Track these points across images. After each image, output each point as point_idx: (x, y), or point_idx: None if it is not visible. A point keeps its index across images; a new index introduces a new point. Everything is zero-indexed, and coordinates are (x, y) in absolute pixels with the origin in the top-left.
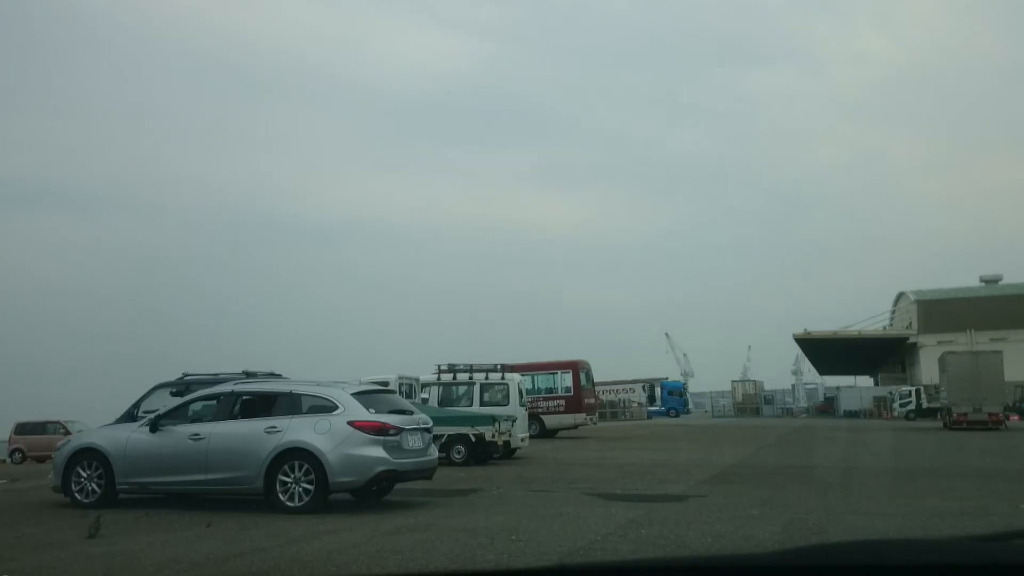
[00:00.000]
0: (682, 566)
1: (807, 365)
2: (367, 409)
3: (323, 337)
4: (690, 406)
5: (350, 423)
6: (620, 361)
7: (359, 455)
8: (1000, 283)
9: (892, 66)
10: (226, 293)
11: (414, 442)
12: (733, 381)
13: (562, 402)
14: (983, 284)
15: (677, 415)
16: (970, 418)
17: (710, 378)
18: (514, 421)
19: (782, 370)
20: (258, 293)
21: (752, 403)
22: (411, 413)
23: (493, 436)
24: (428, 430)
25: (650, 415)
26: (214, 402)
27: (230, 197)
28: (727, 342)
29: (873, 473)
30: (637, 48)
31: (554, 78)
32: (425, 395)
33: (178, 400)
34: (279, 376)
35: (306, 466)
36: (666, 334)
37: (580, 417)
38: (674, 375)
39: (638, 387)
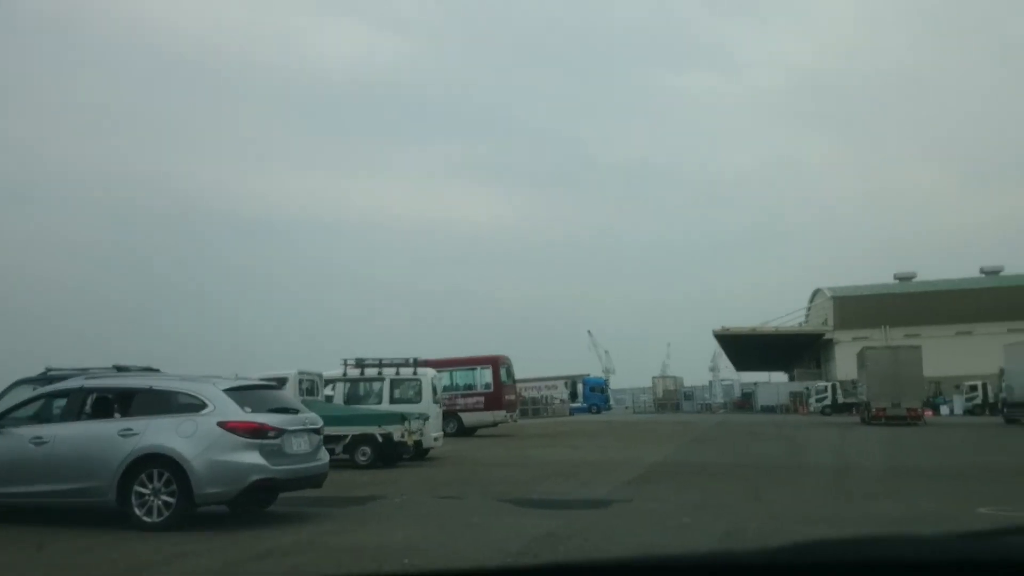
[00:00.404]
0: (675, 564)
1: (724, 361)
2: (241, 408)
3: (249, 333)
4: (611, 402)
5: (220, 424)
6: (543, 358)
7: (230, 462)
8: (914, 280)
9: (808, 70)
10: (146, 288)
11: (299, 445)
12: (654, 377)
13: (481, 399)
14: (897, 281)
15: (599, 411)
16: (889, 413)
17: (631, 375)
18: (426, 419)
19: (700, 366)
20: (184, 289)
21: (672, 399)
22: (296, 412)
23: (402, 436)
24: (317, 431)
25: (572, 412)
26: (64, 400)
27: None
28: (647, 339)
29: (806, 472)
30: (566, 48)
31: (480, 76)
32: (330, 392)
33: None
34: (157, 371)
35: (167, 475)
36: (588, 331)
37: (500, 414)
38: (596, 372)
39: (560, 384)
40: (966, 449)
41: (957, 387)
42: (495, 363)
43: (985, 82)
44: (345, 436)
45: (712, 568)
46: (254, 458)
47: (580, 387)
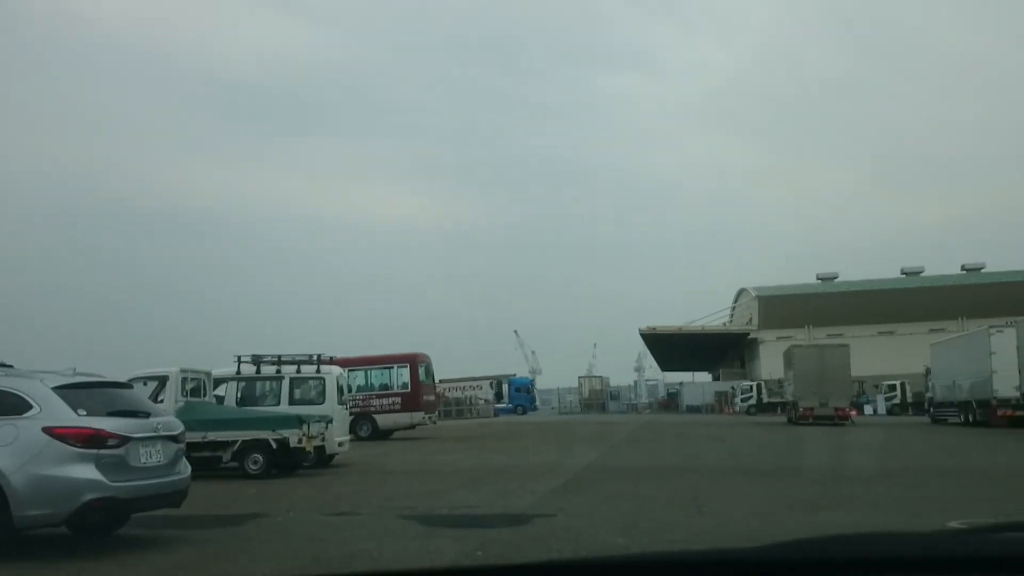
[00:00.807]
0: (666, 561)
1: (649, 361)
2: (75, 410)
3: (163, 330)
4: (538, 403)
5: (47, 430)
6: (470, 358)
7: (58, 477)
8: (836, 280)
9: (731, 76)
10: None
11: (149, 456)
12: (580, 377)
13: (398, 399)
14: (820, 281)
15: (525, 412)
16: (817, 413)
17: (558, 375)
18: (329, 423)
19: (626, 367)
20: (99, 285)
21: (598, 399)
22: (147, 415)
23: (300, 441)
24: (175, 438)
25: (497, 412)
26: None
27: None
28: (574, 339)
29: (745, 477)
30: (489, 45)
31: (400, 70)
32: (221, 392)
33: None
34: (9, 367)
35: None
36: (515, 332)
37: (418, 416)
38: (523, 372)
39: (485, 384)
40: (903, 450)
41: (876, 387)
42: (413, 361)
43: (905, 91)
44: (234, 442)
45: (702, 565)
46: (89, 472)
47: (506, 387)
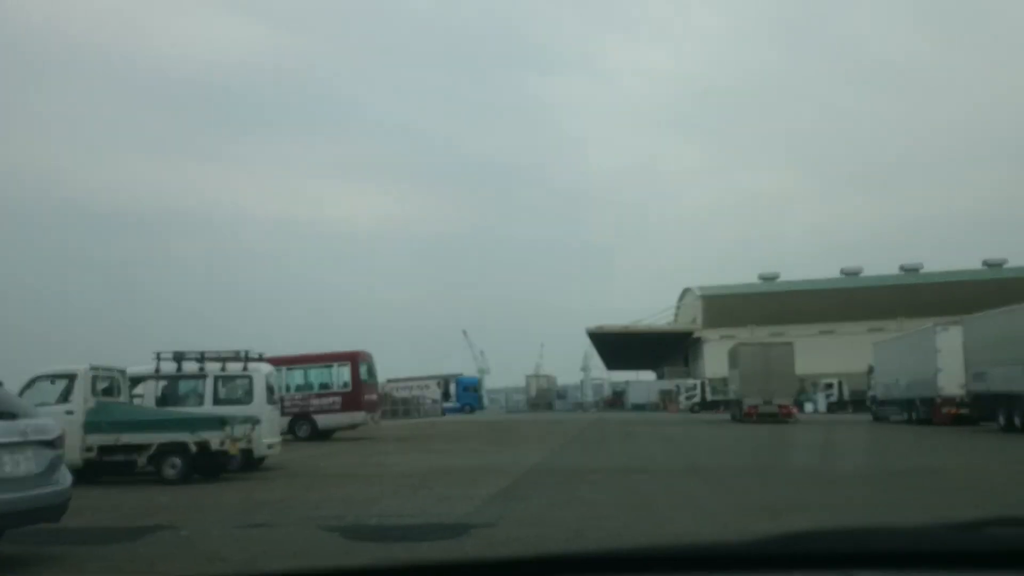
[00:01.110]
0: (662, 555)
1: (595, 361)
2: None
3: (102, 330)
4: (486, 402)
5: None
6: (418, 358)
7: None
8: (777, 280)
9: (671, 78)
10: None
11: (17, 465)
12: (527, 376)
13: (338, 399)
14: (762, 281)
15: (472, 411)
16: (761, 411)
17: (505, 374)
18: (256, 423)
19: (572, 366)
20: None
21: (546, 398)
22: (13, 416)
23: (223, 443)
24: (50, 443)
25: (445, 411)
26: None
27: None
28: (522, 339)
29: (696, 477)
30: (437, 47)
31: (351, 72)
32: (140, 391)
33: None
34: None
35: None
36: (464, 331)
37: (359, 416)
38: (472, 372)
39: (433, 383)
40: (854, 449)
41: (814, 385)
42: (354, 360)
43: (842, 92)
44: (150, 445)
45: (698, 559)
46: None
47: (453, 387)
